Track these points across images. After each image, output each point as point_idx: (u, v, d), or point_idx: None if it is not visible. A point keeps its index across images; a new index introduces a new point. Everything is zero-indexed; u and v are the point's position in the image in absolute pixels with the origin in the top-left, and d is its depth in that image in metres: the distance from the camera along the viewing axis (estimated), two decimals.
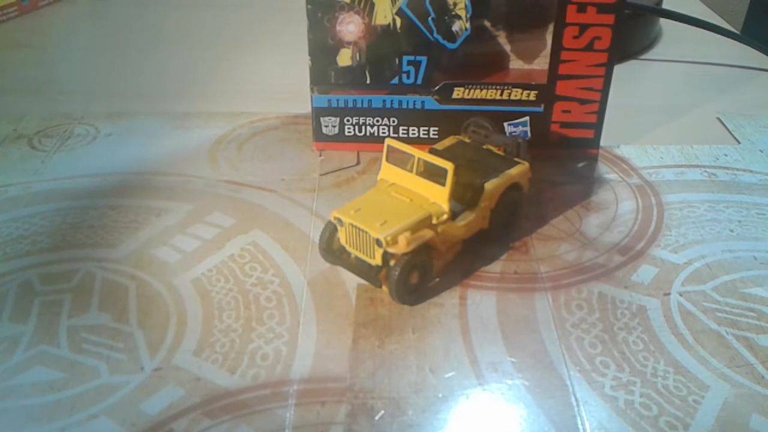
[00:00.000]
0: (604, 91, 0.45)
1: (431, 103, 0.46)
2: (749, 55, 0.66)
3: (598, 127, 0.47)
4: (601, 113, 0.46)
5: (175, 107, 0.55)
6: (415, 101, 0.46)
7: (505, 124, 0.47)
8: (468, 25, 0.45)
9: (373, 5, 0.44)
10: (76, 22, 0.75)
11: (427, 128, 0.47)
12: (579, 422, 0.30)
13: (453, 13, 0.44)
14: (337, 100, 0.47)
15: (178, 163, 0.47)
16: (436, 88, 0.46)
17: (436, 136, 0.47)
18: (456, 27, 0.45)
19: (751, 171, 0.48)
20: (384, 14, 0.44)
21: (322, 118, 0.48)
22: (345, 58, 0.45)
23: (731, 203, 0.44)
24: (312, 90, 0.47)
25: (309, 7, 0.44)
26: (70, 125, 0.53)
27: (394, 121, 0.47)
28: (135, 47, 0.68)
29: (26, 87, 0.60)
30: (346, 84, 0.46)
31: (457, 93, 0.46)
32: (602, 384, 0.32)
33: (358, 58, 0.45)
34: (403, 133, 0.48)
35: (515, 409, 0.31)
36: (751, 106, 0.57)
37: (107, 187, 0.45)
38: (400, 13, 0.44)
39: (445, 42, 0.45)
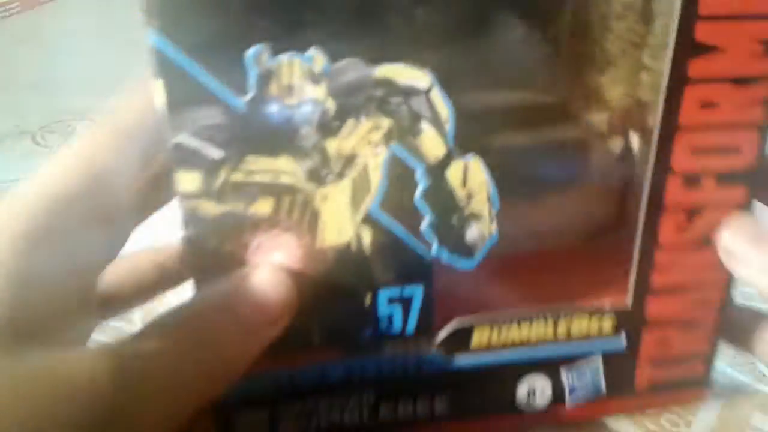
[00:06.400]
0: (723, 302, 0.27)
1: (434, 360, 0.26)
2: None
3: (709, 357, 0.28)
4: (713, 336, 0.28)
5: None
6: (404, 362, 0.26)
7: (561, 369, 0.27)
8: (494, 227, 0.24)
9: (315, 215, 0.23)
10: (78, 17, 0.75)
11: (428, 401, 0.27)
12: None
13: (466, 213, 0.24)
14: (261, 382, 0.25)
15: None
16: (443, 334, 0.25)
17: (446, 411, 0.27)
18: (473, 234, 0.24)
19: None
20: (338, 228, 0.23)
21: (235, 420, 0.25)
22: None
23: None
24: None
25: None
26: (73, 121, 0.54)
27: (369, 400, 0.26)
28: (137, 43, 0.58)
29: (29, 83, 0.60)
30: (274, 352, 0.24)
31: (479, 338, 0.26)
32: None
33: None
34: (388, 417, 0.26)
35: None
36: None
37: None
38: (368, 221, 0.23)
39: (455, 258, 0.24)
